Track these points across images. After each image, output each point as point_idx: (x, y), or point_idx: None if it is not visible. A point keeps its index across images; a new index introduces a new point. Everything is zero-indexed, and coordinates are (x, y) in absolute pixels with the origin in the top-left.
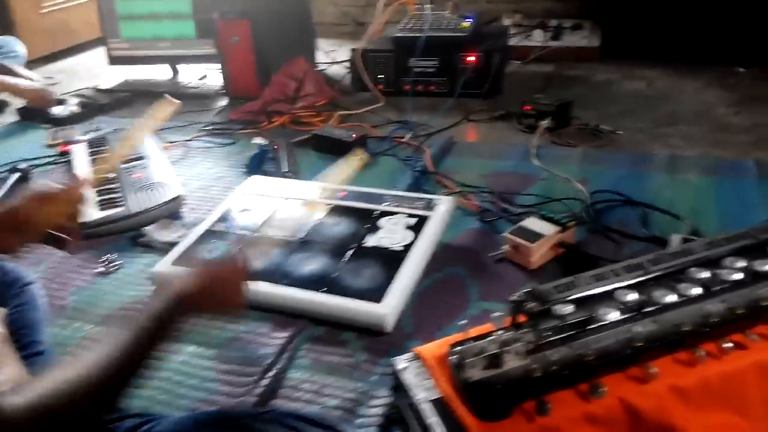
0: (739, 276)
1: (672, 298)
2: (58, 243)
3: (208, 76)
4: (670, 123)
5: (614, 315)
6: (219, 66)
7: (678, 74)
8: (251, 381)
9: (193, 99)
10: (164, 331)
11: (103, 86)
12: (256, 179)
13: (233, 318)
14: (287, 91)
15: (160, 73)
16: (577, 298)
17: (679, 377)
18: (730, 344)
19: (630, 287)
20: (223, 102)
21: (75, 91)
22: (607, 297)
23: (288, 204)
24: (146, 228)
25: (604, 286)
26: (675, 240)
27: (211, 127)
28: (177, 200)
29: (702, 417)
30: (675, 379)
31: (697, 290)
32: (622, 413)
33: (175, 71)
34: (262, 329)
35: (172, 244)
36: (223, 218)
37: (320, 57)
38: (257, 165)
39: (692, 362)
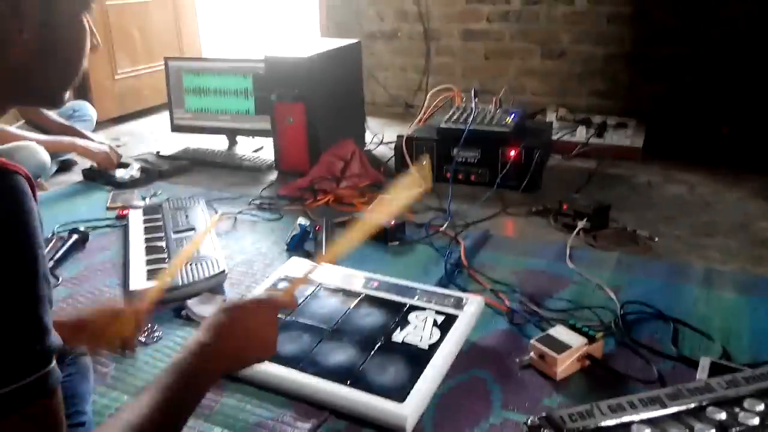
0: (757, 420)
1: None
2: (118, 350)
3: (264, 148)
4: (708, 233)
5: None
6: (273, 141)
7: (720, 181)
8: None
9: (247, 171)
10: (199, 385)
11: (164, 152)
12: (296, 260)
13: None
14: (334, 170)
15: (218, 143)
16: (593, 429)
17: None
18: None
19: (645, 422)
20: (273, 176)
21: (138, 155)
22: (623, 429)
23: (323, 290)
24: (189, 301)
25: (619, 417)
26: (704, 363)
27: (259, 201)
28: (221, 275)
29: None
30: None
31: (713, 431)
32: None
33: (234, 143)
34: (286, 417)
35: None
36: None
37: (368, 136)
38: (298, 244)
39: None
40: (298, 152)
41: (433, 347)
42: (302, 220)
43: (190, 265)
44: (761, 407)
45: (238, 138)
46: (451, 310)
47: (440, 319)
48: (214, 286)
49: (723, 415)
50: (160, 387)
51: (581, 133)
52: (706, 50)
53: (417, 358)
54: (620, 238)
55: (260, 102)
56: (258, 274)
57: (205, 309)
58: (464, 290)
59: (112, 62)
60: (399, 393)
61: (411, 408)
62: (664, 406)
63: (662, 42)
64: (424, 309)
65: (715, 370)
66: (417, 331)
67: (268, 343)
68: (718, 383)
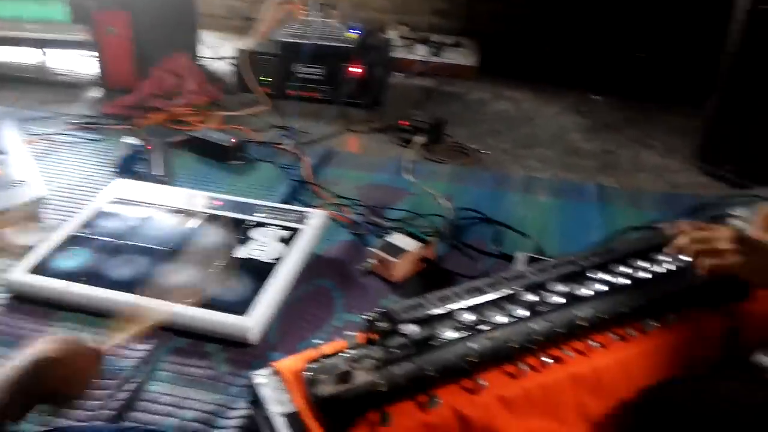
0: (561, 299)
1: (503, 318)
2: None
3: (81, 63)
4: (529, 145)
5: (453, 333)
6: (94, 54)
7: (542, 97)
8: (107, 393)
9: (63, 87)
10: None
11: None
12: (126, 182)
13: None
14: (166, 87)
15: (27, 56)
16: (423, 318)
17: (505, 388)
18: (550, 359)
19: (468, 309)
20: (96, 93)
21: None
22: (449, 317)
23: (158, 211)
24: (2, 230)
25: (445, 307)
26: (520, 258)
27: (80, 121)
28: (38, 201)
29: (523, 423)
30: (501, 390)
31: (525, 312)
32: (454, 421)
33: (45, 55)
34: None
35: (30, 249)
36: (87, 223)
37: (204, 51)
38: (128, 166)
39: (517, 375)
40: (124, 66)
41: (278, 261)
42: (131, 140)
43: (0, 191)
44: (564, 288)
45: (51, 50)
46: (294, 225)
47: (285, 234)
48: (30, 214)
49: (534, 297)
50: None
51: (421, 51)
52: None
53: (260, 273)
54: (454, 151)
55: (76, 9)
56: (82, 199)
57: (22, 237)
58: (309, 206)
59: None
60: (241, 307)
61: (254, 320)
62: (484, 293)
63: None
64: (267, 225)
65: (531, 263)
66: (260, 247)
67: (81, 388)
68: (529, 271)
